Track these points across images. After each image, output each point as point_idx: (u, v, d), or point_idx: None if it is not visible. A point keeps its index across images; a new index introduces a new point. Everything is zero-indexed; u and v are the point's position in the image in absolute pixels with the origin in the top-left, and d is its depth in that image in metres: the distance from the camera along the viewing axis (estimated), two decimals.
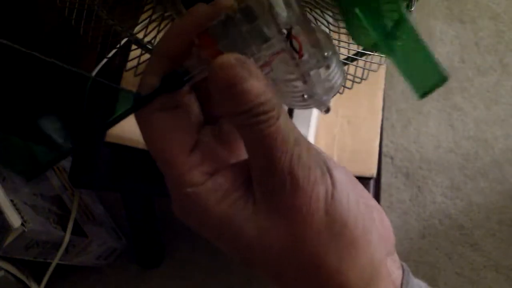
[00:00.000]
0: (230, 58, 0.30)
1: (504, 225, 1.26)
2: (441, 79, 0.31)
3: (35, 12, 1.10)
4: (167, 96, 0.32)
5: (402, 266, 0.36)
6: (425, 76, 0.31)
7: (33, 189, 1.01)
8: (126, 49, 0.69)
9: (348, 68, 0.61)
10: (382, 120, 0.76)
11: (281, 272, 0.32)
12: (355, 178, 0.34)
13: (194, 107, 0.33)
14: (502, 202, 1.28)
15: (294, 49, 0.31)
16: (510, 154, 1.33)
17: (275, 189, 0.31)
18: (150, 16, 0.60)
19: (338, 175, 0.32)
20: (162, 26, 0.60)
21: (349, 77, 0.62)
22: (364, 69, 0.61)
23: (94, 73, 0.84)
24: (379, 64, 0.60)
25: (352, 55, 0.60)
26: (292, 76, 0.32)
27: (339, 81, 0.34)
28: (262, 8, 0.31)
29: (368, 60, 0.60)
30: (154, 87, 0.32)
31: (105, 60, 0.82)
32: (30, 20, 1.10)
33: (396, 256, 0.36)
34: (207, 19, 0.32)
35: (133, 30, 0.62)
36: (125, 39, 0.66)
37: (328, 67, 0.32)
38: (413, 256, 1.23)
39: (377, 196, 0.72)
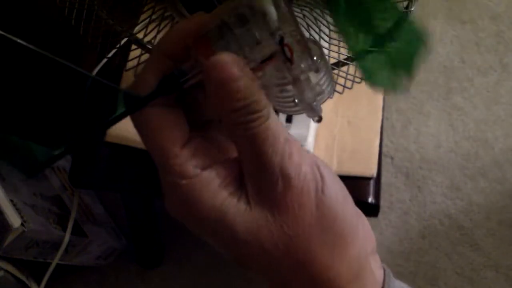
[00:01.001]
0: (225, 56, 0.31)
1: (504, 225, 1.26)
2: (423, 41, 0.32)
3: (35, 11, 1.10)
4: (162, 98, 0.33)
5: (383, 268, 0.37)
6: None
7: (33, 189, 1.01)
8: (126, 49, 0.69)
9: (348, 68, 0.61)
10: (382, 120, 0.76)
11: (275, 267, 0.33)
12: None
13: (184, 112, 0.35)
14: (502, 202, 1.28)
15: (285, 55, 0.33)
16: (510, 154, 1.33)
17: (267, 185, 0.32)
18: (150, 16, 0.60)
19: (327, 171, 0.34)
20: (162, 26, 0.60)
21: (349, 77, 0.62)
22: None
23: (94, 73, 0.84)
24: None
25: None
26: (284, 81, 0.34)
27: (328, 87, 0.35)
28: (255, 13, 0.32)
29: None
30: (151, 85, 0.33)
31: (105, 60, 0.82)
32: (30, 20, 1.10)
33: (377, 257, 0.37)
34: (205, 24, 0.33)
35: (133, 30, 0.62)
36: (125, 39, 0.66)
37: (317, 71, 0.34)
38: (413, 256, 1.23)
39: (377, 196, 0.72)
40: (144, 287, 1.22)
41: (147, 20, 0.60)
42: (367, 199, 0.71)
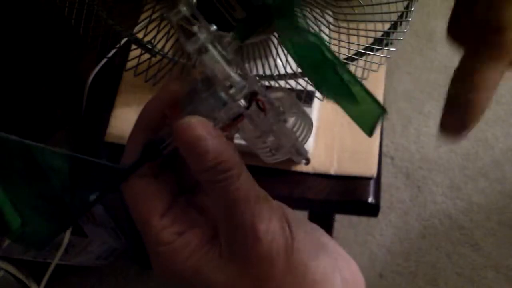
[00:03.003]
0: (191, 119, 0.34)
1: (504, 225, 1.26)
2: (381, 112, 0.35)
3: (35, 11, 1.10)
4: (147, 166, 0.36)
5: None
6: (368, 114, 0.36)
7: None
8: (126, 49, 0.69)
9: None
10: (382, 120, 0.76)
11: None
12: (318, 229, 0.38)
13: (168, 178, 0.38)
14: (502, 202, 1.28)
15: (260, 108, 0.35)
16: (510, 154, 1.33)
17: (239, 241, 0.34)
18: (150, 16, 0.60)
19: (297, 227, 0.35)
20: (162, 26, 0.60)
21: None
22: (364, 69, 0.61)
23: (94, 73, 0.84)
24: (379, 64, 0.60)
25: (352, 55, 0.60)
26: (257, 134, 0.36)
27: (305, 131, 0.37)
28: (219, 77, 0.35)
29: (368, 60, 0.60)
30: (134, 156, 0.36)
31: (105, 60, 0.82)
32: (30, 20, 1.10)
33: None
34: (176, 93, 0.36)
35: (132, 30, 0.62)
36: (125, 39, 0.66)
37: (285, 121, 0.36)
38: (413, 256, 1.23)
39: (377, 196, 0.72)
40: (144, 287, 1.22)
41: (147, 20, 0.60)
42: (367, 199, 0.71)
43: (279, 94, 0.36)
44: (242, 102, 0.36)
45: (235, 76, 0.35)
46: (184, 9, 0.37)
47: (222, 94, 0.35)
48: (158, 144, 0.36)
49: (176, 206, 0.36)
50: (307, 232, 0.36)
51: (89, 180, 0.38)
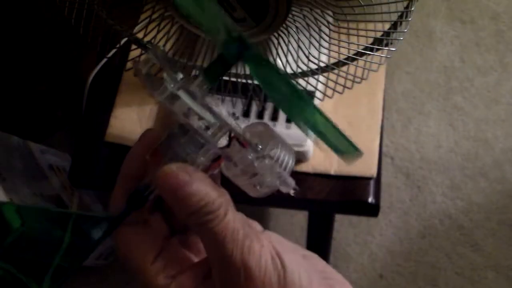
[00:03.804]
0: (172, 166, 0.35)
1: (505, 225, 1.26)
2: (356, 153, 0.38)
3: (35, 11, 1.10)
4: (134, 213, 0.37)
5: None
6: (346, 149, 0.37)
7: (33, 189, 1.01)
8: (126, 49, 0.69)
9: (348, 68, 0.61)
10: (382, 120, 0.76)
11: None
12: (312, 255, 0.38)
13: (158, 221, 0.39)
14: (502, 202, 1.28)
15: (242, 145, 0.36)
16: (511, 154, 1.33)
17: (231, 279, 0.35)
18: (150, 16, 0.60)
19: (288, 257, 0.36)
20: (162, 26, 0.60)
21: (349, 77, 0.62)
22: (364, 69, 0.61)
23: (94, 73, 0.84)
24: (379, 64, 0.60)
25: (352, 55, 0.60)
26: (238, 172, 0.37)
27: (289, 161, 0.38)
28: (192, 123, 0.36)
29: (368, 60, 0.60)
30: (121, 205, 0.38)
31: (105, 60, 0.82)
32: (30, 20, 1.10)
33: None
34: (155, 139, 0.38)
35: (132, 30, 0.62)
36: (125, 39, 0.66)
37: (264, 157, 0.37)
38: (413, 256, 1.23)
39: (377, 196, 0.72)
40: None
41: (147, 20, 0.60)
42: (367, 199, 0.71)
43: (258, 129, 0.37)
44: (222, 142, 0.37)
45: (209, 117, 0.36)
46: (153, 57, 0.37)
47: (199, 138, 0.36)
48: (142, 192, 0.37)
49: (168, 249, 0.37)
50: (299, 260, 0.37)
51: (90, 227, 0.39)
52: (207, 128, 0.36)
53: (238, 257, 0.34)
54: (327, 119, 0.37)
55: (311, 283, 0.36)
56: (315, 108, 0.36)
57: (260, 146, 0.37)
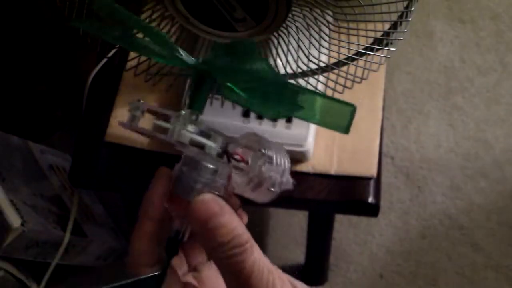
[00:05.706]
0: (205, 196, 0.35)
1: (505, 225, 1.26)
2: (352, 109, 0.37)
3: (35, 11, 1.10)
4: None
5: None
6: (340, 116, 0.38)
7: (33, 189, 1.01)
8: (126, 49, 0.69)
9: (348, 68, 0.61)
10: (382, 120, 0.76)
11: None
12: None
13: (178, 261, 0.40)
14: (502, 202, 1.28)
15: (236, 160, 0.37)
16: (511, 154, 1.33)
17: None
18: (150, 16, 0.60)
19: None
20: (162, 26, 0.60)
21: (349, 77, 0.62)
22: (364, 69, 0.61)
23: (94, 73, 0.84)
24: (379, 64, 0.60)
25: (352, 55, 0.60)
26: (246, 180, 0.38)
27: (285, 160, 0.39)
28: (197, 156, 0.37)
29: (368, 60, 0.60)
30: (149, 252, 0.38)
31: (105, 60, 0.82)
32: (30, 20, 1.10)
33: None
34: (169, 179, 0.38)
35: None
36: None
37: (270, 158, 0.38)
38: (413, 256, 1.23)
39: (377, 196, 0.72)
40: None
41: (147, 20, 0.60)
42: (367, 199, 0.71)
43: (251, 138, 0.38)
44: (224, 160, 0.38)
45: (211, 144, 0.37)
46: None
47: (210, 164, 0.37)
48: (176, 238, 0.38)
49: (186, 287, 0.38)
50: None
51: None
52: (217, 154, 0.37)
53: None
54: (312, 92, 0.37)
55: None
56: (295, 88, 0.37)
57: (263, 150, 0.37)
